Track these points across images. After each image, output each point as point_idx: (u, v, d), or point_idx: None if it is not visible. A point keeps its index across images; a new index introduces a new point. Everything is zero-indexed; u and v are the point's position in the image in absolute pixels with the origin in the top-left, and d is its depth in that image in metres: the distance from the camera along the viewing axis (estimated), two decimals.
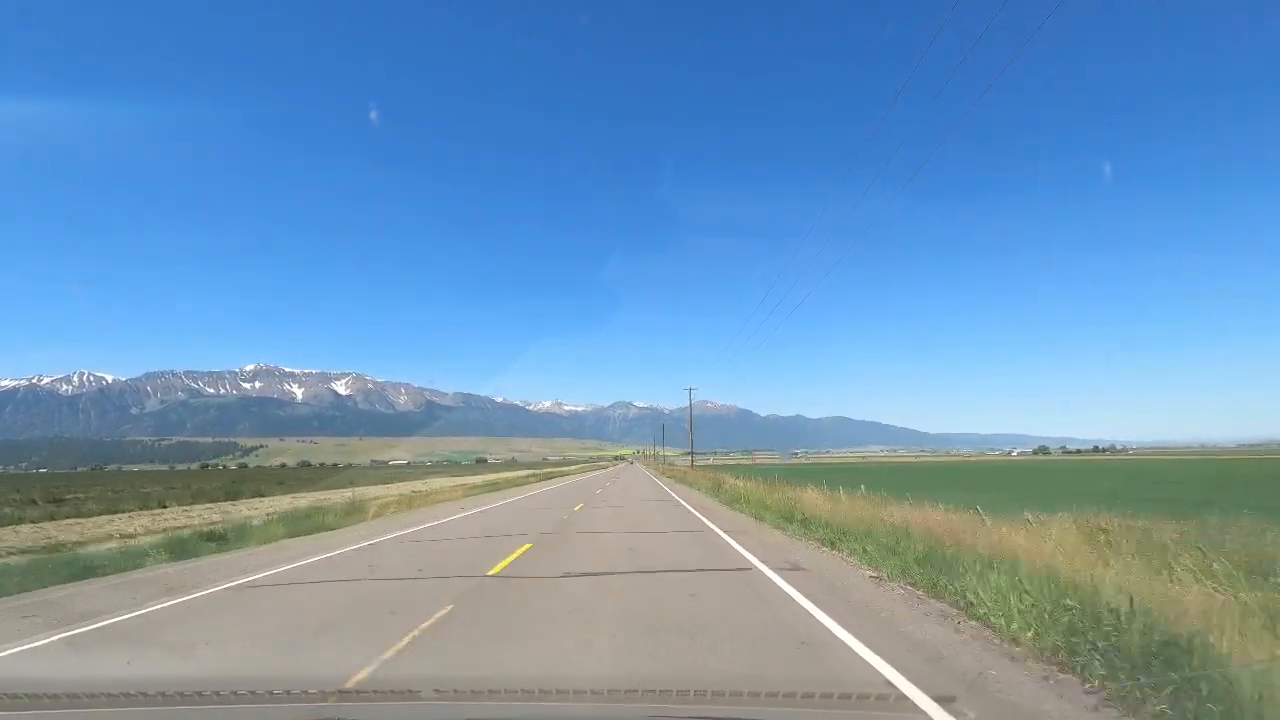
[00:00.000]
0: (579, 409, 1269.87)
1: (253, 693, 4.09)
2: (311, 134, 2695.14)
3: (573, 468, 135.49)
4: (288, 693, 4.16)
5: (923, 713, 3.94)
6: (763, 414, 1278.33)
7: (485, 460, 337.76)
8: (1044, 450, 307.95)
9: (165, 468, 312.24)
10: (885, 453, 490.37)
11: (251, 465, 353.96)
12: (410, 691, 4.26)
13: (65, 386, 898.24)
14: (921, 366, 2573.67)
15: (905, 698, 4.23)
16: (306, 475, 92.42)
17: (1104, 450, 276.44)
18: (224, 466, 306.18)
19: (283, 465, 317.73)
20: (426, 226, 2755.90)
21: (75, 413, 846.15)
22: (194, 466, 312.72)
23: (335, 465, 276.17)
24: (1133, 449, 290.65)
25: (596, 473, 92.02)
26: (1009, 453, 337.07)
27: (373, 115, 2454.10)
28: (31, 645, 6.18)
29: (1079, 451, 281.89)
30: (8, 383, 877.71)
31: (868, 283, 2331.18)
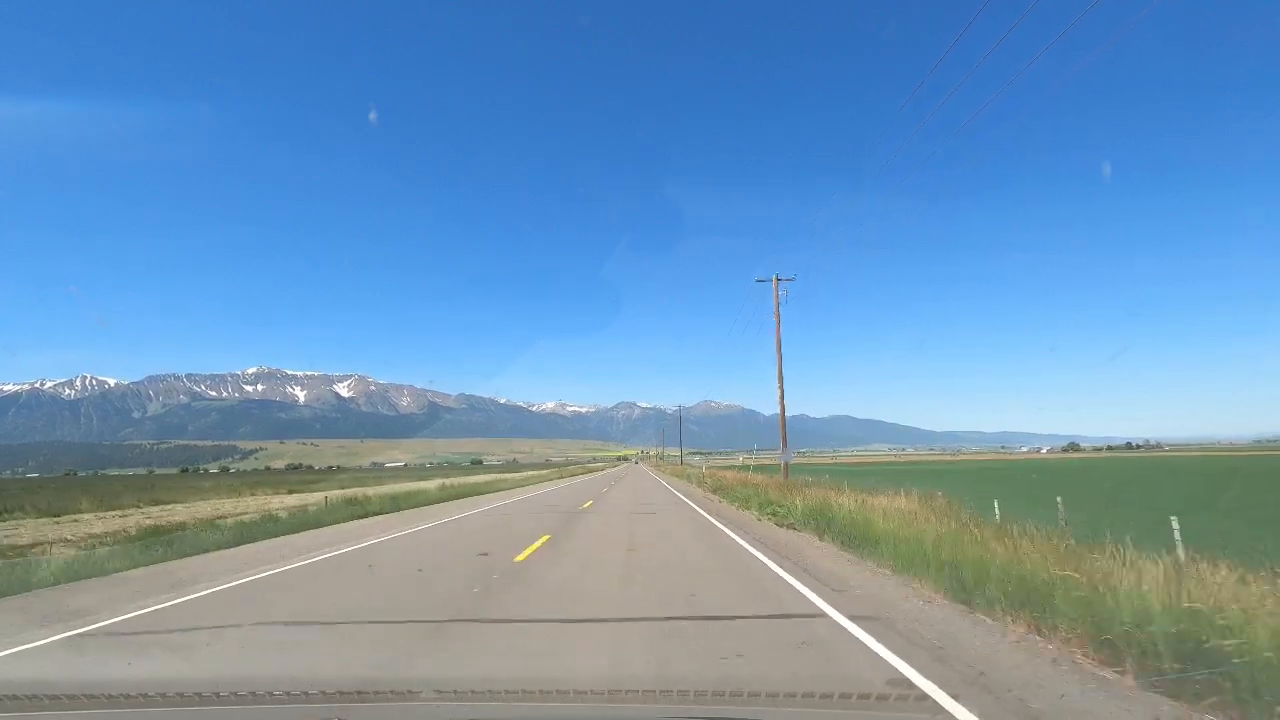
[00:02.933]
0: (582, 410, 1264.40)
1: (253, 693, 4.13)
2: (314, 135, 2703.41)
3: (545, 471, 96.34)
4: (287, 693, 4.17)
5: (943, 710, 3.84)
6: (766, 413, 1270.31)
7: (481, 462, 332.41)
8: (1075, 447, 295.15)
9: (145, 471, 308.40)
10: (893, 451, 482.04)
11: (248, 469, 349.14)
12: (410, 692, 4.27)
13: (68, 391, 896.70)
14: (924, 365, 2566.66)
15: (924, 694, 4.11)
16: (268, 479, 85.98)
17: (1138, 447, 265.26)
18: (204, 470, 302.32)
19: (266, 469, 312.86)
20: (429, 227, 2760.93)
21: (77, 417, 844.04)
22: (175, 471, 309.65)
23: (330, 468, 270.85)
24: (1168, 445, 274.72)
25: (584, 477, 66.79)
26: (1039, 450, 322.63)
27: (372, 116, 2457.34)
28: None
29: (1111, 448, 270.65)
30: (10, 387, 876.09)
31: (870, 282, 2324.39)
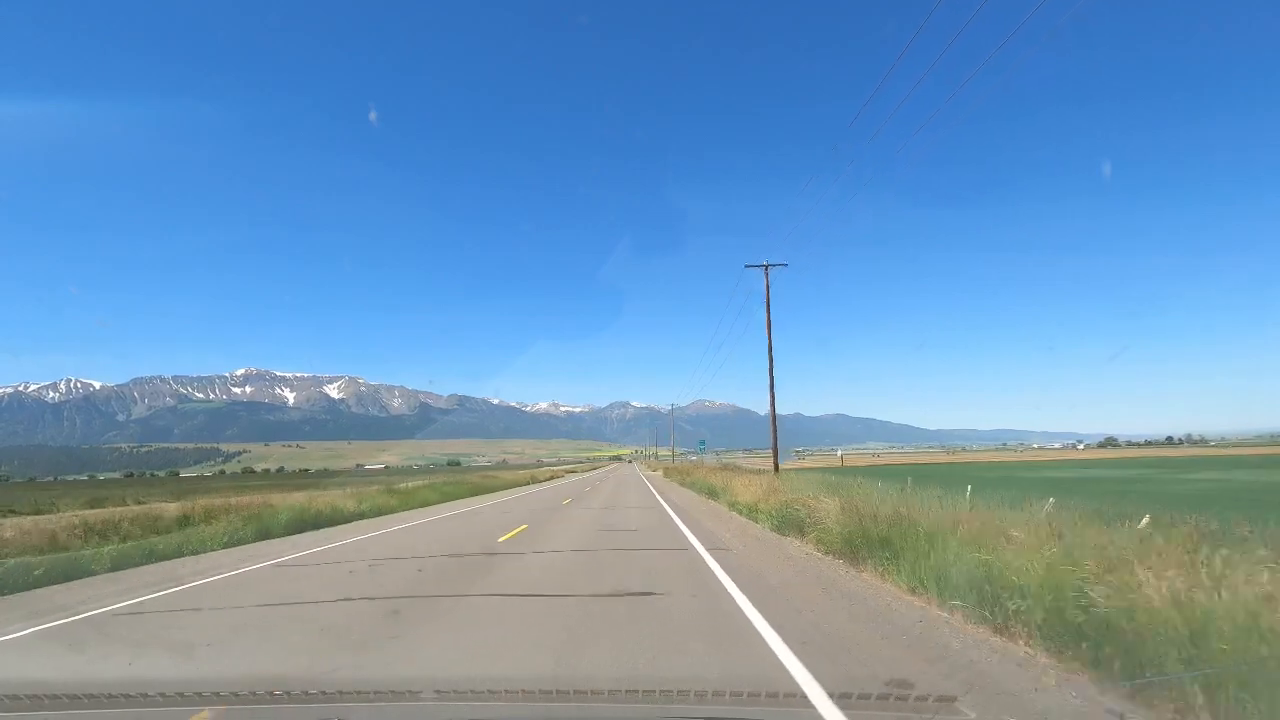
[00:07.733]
0: (576, 409, 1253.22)
1: (253, 693, 4.13)
2: (308, 133, 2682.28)
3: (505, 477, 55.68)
4: (288, 693, 4.18)
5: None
6: (761, 412, 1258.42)
7: (459, 464, 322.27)
8: (1112, 442, 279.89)
9: (86, 477, 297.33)
10: (890, 450, 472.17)
11: (233, 471, 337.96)
12: (410, 692, 4.26)
13: (51, 394, 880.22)
14: (920, 363, 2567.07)
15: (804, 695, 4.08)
16: (210, 486, 76.84)
17: (1179, 442, 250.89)
18: (153, 475, 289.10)
19: (221, 473, 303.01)
20: (424, 227, 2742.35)
21: (59, 420, 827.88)
22: (119, 475, 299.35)
23: (304, 471, 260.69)
24: (1213, 441, 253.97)
25: (538, 488, 45.65)
26: (1075, 446, 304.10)
27: (372, 115, 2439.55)
28: None
29: (1148, 444, 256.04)
30: None
31: (867, 280, 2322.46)
